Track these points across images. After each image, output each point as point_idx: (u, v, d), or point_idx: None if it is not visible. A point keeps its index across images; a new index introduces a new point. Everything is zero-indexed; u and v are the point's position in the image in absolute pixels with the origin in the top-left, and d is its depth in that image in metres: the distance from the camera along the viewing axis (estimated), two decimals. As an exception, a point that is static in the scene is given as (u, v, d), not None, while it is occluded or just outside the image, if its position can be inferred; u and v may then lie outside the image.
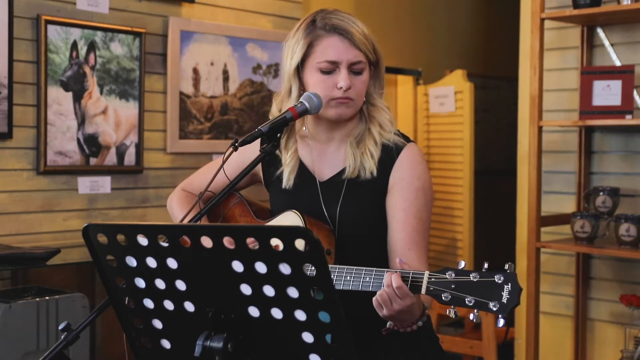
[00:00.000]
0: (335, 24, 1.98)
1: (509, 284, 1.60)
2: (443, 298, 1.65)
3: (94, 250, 1.53)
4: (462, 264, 1.66)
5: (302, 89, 2.02)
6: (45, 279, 3.45)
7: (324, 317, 1.40)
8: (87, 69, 3.63)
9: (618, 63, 3.59)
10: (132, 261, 1.50)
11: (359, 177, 1.99)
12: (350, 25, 1.97)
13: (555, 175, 3.82)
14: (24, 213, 3.48)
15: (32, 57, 3.48)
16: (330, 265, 1.81)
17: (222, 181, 1.91)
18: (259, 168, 2.15)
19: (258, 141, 1.90)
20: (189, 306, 1.50)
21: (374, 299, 1.73)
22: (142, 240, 1.46)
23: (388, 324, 1.79)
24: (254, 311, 1.45)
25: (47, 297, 3.08)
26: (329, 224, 1.99)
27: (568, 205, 3.76)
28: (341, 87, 1.95)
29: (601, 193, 3.49)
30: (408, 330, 1.79)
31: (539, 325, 3.57)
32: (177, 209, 2.22)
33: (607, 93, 3.39)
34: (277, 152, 2.08)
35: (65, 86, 3.57)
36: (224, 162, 1.85)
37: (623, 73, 3.39)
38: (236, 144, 1.82)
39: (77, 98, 3.61)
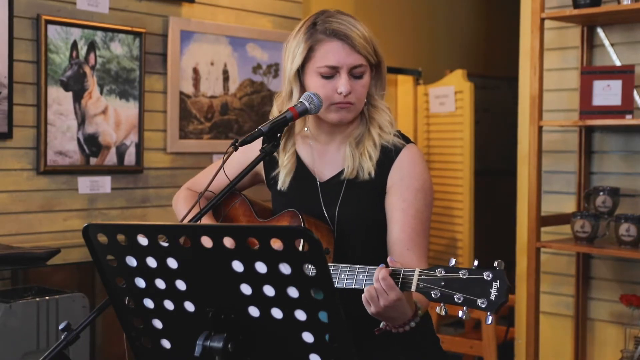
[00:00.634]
0: (336, 28, 1.97)
1: (498, 281, 1.60)
2: (432, 295, 1.65)
3: (94, 250, 1.53)
4: (452, 262, 1.66)
5: (302, 91, 2.02)
6: (45, 279, 3.45)
7: (324, 317, 1.40)
8: (87, 69, 3.64)
9: (618, 63, 3.59)
10: (132, 261, 1.50)
11: (357, 177, 2.00)
12: (350, 29, 1.97)
13: (555, 175, 3.82)
14: (24, 213, 3.48)
15: (32, 57, 3.48)
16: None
17: (224, 181, 1.92)
18: (260, 168, 2.15)
19: (260, 141, 1.90)
20: (189, 306, 1.50)
21: (362, 295, 1.73)
22: (142, 240, 1.46)
23: (381, 324, 1.79)
24: (254, 311, 1.45)
25: (47, 297, 3.08)
26: (329, 223, 1.99)
27: (568, 205, 3.76)
28: (341, 93, 1.95)
29: (601, 193, 3.49)
30: (400, 330, 1.78)
31: (539, 325, 3.57)
32: (183, 207, 2.22)
33: (607, 93, 3.39)
34: (275, 153, 2.08)
35: (65, 86, 3.57)
36: (224, 162, 1.85)
37: (623, 73, 3.39)
38: (236, 144, 1.82)
39: (77, 98, 3.61)
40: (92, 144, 3.67)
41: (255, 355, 1.49)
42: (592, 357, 3.74)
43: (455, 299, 1.62)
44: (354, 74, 1.97)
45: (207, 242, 1.41)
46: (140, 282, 1.52)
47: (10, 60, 3.38)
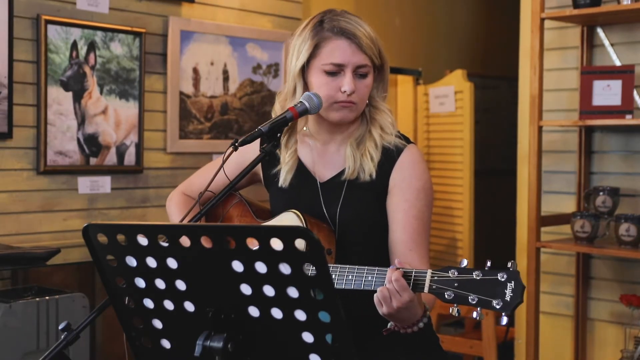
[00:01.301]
0: (343, 26, 1.97)
1: (512, 282, 1.61)
2: (446, 296, 1.65)
3: (94, 250, 1.53)
4: (465, 263, 1.67)
5: (306, 89, 2.02)
6: (45, 279, 3.45)
7: (324, 317, 1.41)
8: (87, 69, 3.64)
9: (618, 63, 3.59)
10: (132, 261, 1.50)
11: (358, 178, 2.00)
12: (358, 28, 1.97)
13: (555, 175, 3.82)
14: (24, 213, 3.48)
15: (32, 57, 3.48)
16: (332, 265, 1.82)
17: (221, 181, 1.92)
18: (258, 168, 2.15)
19: (258, 141, 1.90)
20: (189, 306, 1.50)
21: (374, 296, 1.73)
22: (142, 240, 1.46)
23: (389, 324, 1.79)
24: (254, 311, 1.45)
25: (47, 297, 3.08)
26: (329, 224, 1.99)
27: (568, 205, 3.76)
28: (345, 91, 1.95)
29: (601, 193, 3.49)
30: (409, 331, 1.79)
31: (539, 325, 3.57)
32: (176, 212, 2.22)
33: (607, 93, 3.39)
34: (277, 151, 2.08)
35: (65, 86, 3.57)
36: (223, 162, 1.85)
37: (623, 73, 3.39)
38: (236, 144, 1.82)
39: (77, 98, 3.61)
40: (92, 144, 3.67)
41: (255, 355, 1.49)
42: (592, 357, 3.74)
43: (470, 300, 1.63)
44: (359, 73, 1.97)
45: (207, 242, 1.41)
46: (140, 282, 1.52)
47: (10, 60, 3.38)
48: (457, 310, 1.66)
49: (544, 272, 3.79)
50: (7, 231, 3.42)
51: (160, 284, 1.50)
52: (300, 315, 1.41)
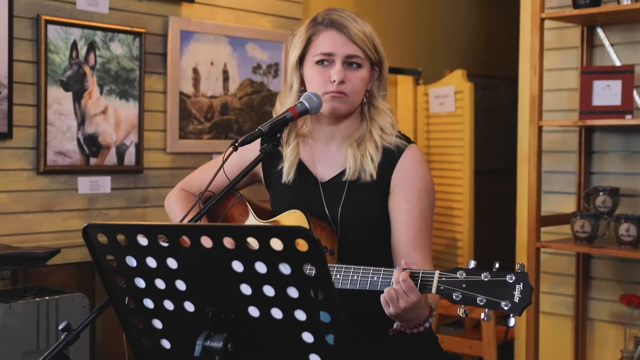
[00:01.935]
0: (334, 18, 2.00)
1: (521, 283, 1.61)
2: (454, 297, 1.65)
3: (94, 250, 1.53)
4: (472, 264, 1.67)
5: (302, 84, 2.05)
6: (45, 279, 3.45)
7: (324, 317, 1.41)
8: (87, 69, 3.63)
9: (618, 63, 3.59)
10: (132, 261, 1.50)
11: (359, 179, 2.00)
12: (349, 21, 1.99)
13: (555, 175, 3.82)
14: (24, 213, 3.48)
15: (32, 57, 3.48)
16: (336, 265, 1.82)
17: (221, 181, 1.92)
18: (258, 168, 2.15)
19: (258, 141, 1.90)
20: (189, 306, 1.50)
21: (381, 296, 1.73)
22: (142, 240, 1.46)
23: (395, 324, 1.79)
24: (254, 311, 1.45)
25: (47, 297, 3.07)
26: (331, 224, 1.99)
27: (568, 205, 3.76)
28: (334, 80, 1.96)
29: (601, 193, 3.49)
30: (415, 331, 1.79)
31: (539, 325, 3.57)
32: (177, 208, 2.22)
33: (607, 93, 3.39)
34: (280, 148, 2.08)
35: (65, 86, 3.57)
36: (223, 162, 1.85)
37: (623, 73, 3.39)
38: (236, 144, 1.82)
39: (77, 98, 3.61)
40: (92, 144, 3.67)
41: (255, 355, 1.49)
42: (592, 357, 3.74)
43: (478, 301, 1.63)
44: (350, 63, 1.98)
45: (207, 242, 1.41)
46: (140, 282, 1.52)
47: (10, 60, 3.38)
48: (465, 311, 1.66)
49: (544, 272, 3.79)
50: (7, 231, 3.42)
51: (160, 284, 1.50)
52: (300, 315, 1.41)
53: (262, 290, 1.41)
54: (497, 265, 1.65)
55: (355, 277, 1.79)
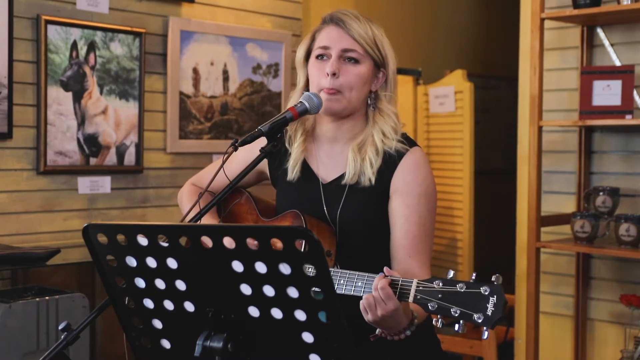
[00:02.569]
0: (336, 16, 2.01)
1: (495, 296, 1.59)
2: (430, 307, 1.64)
3: (94, 250, 1.53)
4: (451, 274, 1.65)
5: (307, 81, 2.06)
6: (45, 279, 3.45)
7: (324, 317, 1.40)
8: (87, 69, 3.64)
9: (618, 63, 3.59)
10: (132, 261, 1.50)
11: (358, 183, 1.99)
12: (350, 18, 2.00)
13: (555, 175, 3.82)
14: (24, 213, 3.48)
15: (32, 57, 3.48)
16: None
17: (227, 180, 1.91)
18: (264, 166, 2.14)
19: (264, 139, 1.90)
20: (189, 306, 1.50)
21: (360, 302, 1.72)
22: (142, 240, 1.46)
23: (377, 330, 1.78)
24: (254, 311, 1.45)
25: (47, 297, 3.08)
26: (330, 225, 1.98)
27: (568, 205, 3.76)
28: (327, 73, 1.96)
29: (601, 193, 3.49)
30: (395, 338, 1.78)
31: (539, 325, 3.57)
32: (188, 202, 2.22)
33: (607, 93, 3.39)
34: (287, 145, 2.08)
35: (65, 86, 3.57)
36: (223, 162, 1.85)
37: (623, 73, 3.39)
38: (236, 144, 1.82)
39: (77, 98, 3.61)
40: (92, 144, 3.67)
41: (255, 355, 1.49)
42: (592, 357, 3.74)
43: (452, 312, 1.61)
44: (347, 57, 1.97)
45: (207, 242, 1.41)
46: (140, 282, 1.52)
47: (10, 60, 3.38)
48: (442, 321, 1.65)
49: (544, 272, 3.79)
50: (7, 231, 3.42)
51: (160, 284, 1.50)
52: (300, 315, 1.41)
53: (262, 290, 1.41)
54: (474, 276, 1.64)
55: (342, 281, 1.78)
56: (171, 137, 3.96)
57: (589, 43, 3.69)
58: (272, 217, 2.08)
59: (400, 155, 1.99)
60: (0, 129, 3.37)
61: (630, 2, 3.32)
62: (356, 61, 1.98)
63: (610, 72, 3.43)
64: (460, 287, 1.62)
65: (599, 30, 3.65)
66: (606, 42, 3.64)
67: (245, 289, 1.43)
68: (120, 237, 1.49)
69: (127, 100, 3.78)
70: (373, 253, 1.98)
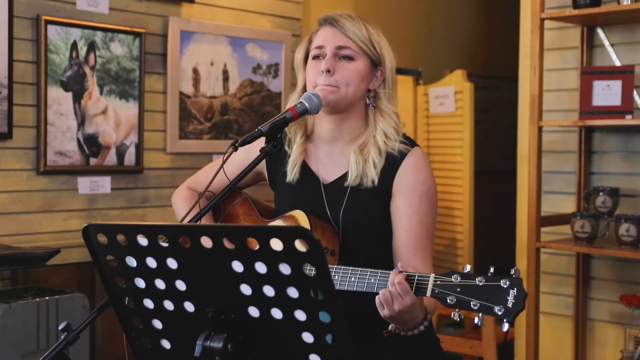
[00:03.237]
0: (331, 16, 2.03)
1: (515, 288, 1.61)
2: (448, 301, 1.66)
3: (94, 250, 1.53)
4: (468, 268, 1.67)
5: (305, 82, 2.08)
6: (45, 279, 3.45)
7: (324, 317, 1.41)
8: (87, 69, 3.64)
9: (618, 63, 3.59)
10: (132, 261, 1.50)
11: (361, 184, 1.99)
12: (344, 18, 2.02)
13: (555, 175, 3.82)
14: (24, 213, 3.48)
15: (32, 57, 3.48)
16: (335, 266, 1.82)
17: (225, 180, 1.92)
18: (263, 166, 2.15)
19: (263, 140, 1.90)
20: (189, 306, 1.50)
21: (376, 298, 1.73)
22: (142, 240, 1.46)
23: (390, 326, 1.79)
24: (254, 311, 1.45)
25: (47, 297, 3.08)
26: (333, 225, 1.99)
27: (568, 205, 3.76)
28: (322, 70, 1.97)
29: (601, 193, 3.49)
30: (409, 334, 1.79)
31: (539, 325, 3.57)
32: (183, 207, 2.22)
33: (607, 93, 3.39)
34: (286, 147, 2.09)
35: (65, 86, 3.57)
36: (223, 163, 1.85)
37: (623, 73, 3.39)
38: (236, 144, 1.82)
39: (77, 98, 3.61)
40: (92, 144, 3.67)
41: (255, 355, 1.49)
42: (592, 357, 3.74)
43: (472, 306, 1.63)
44: (341, 55, 1.99)
45: (207, 242, 1.41)
46: (140, 283, 1.52)
47: (10, 60, 3.38)
48: (459, 315, 1.66)
49: (544, 272, 3.79)
50: (7, 231, 3.42)
51: (160, 284, 1.50)
52: (300, 315, 1.41)
53: (262, 290, 1.41)
54: (492, 269, 1.65)
55: (352, 278, 1.79)
56: (171, 137, 3.96)
57: (589, 43, 3.69)
58: (271, 218, 2.08)
59: (402, 155, 2.00)
60: (0, 129, 3.37)
61: (630, 2, 3.32)
62: (351, 58, 1.99)
63: (610, 72, 3.43)
64: (479, 281, 1.63)
65: (599, 30, 3.65)
66: (606, 42, 3.64)
67: (245, 289, 1.43)
68: (120, 237, 1.49)
69: (127, 100, 3.78)
70: (375, 252, 1.99)
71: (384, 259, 1.98)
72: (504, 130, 5.77)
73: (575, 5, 3.43)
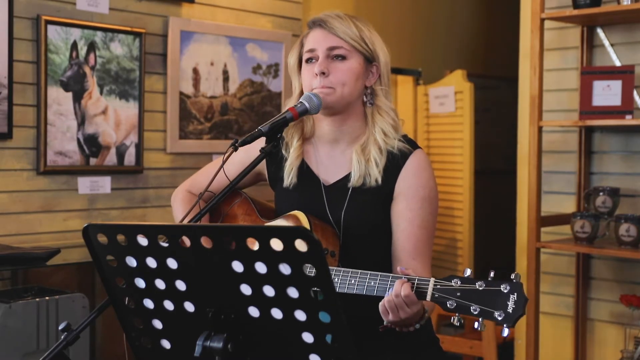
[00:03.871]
0: (319, 18, 2.03)
1: (515, 293, 1.60)
2: (448, 305, 1.65)
3: (94, 250, 1.54)
4: (468, 272, 1.67)
5: (301, 86, 2.07)
6: (45, 279, 3.45)
7: (324, 317, 1.41)
8: (87, 69, 3.64)
9: (618, 63, 3.59)
10: (132, 261, 1.50)
11: (364, 184, 1.99)
12: (332, 18, 2.01)
13: (555, 175, 3.82)
14: (24, 213, 3.48)
15: (32, 57, 3.48)
16: (335, 268, 1.82)
17: (224, 181, 1.92)
18: (263, 167, 2.14)
19: (263, 140, 1.90)
20: (189, 306, 1.50)
21: (380, 304, 1.74)
22: (142, 240, 1.46)
23: (386, 322, 1.79)
24: (254, 311, 1.45)
25: (47, 297, 3.08)
26: (334, 226, 1.98)
27: (568, 205, 3.76)
28: (316, 73, 1.96)
29: (601, 193, 3.49)
30: (404, 330, 1.80)
31: (539, 325, 3.57)
32: (181, 210, 2.22)
33: (607, 93, 3.39)
34: (283, 150, 2.09)
35: (65, 86, 3.57)
36: (223, 163, 1.85)
37: (623, 73, 3.39)
38: (236, 144, 1.82)
39: (77, 98, 3.61)
40: (92, 144, 3.67)
41: (255, 355, 1.49)
42: (592, 357, 3.74)
43: (472, 310, 1.63)
44: (334, 55, 1.98)
45: (207, 242, 1.41)
46: (140, 283, 1.52)
47: (10, 60, 3.38)
48: (459, 319, 1.65)
49: (544, 273, 3.79)
50: (7, 231, 3.42)
51: (160, 284, 1.50)
52: (300, 315, 1.41)
53: (262, 290, 1.41)
54: (492, 274, 1.65)
55: (352, 281, 1.79)
56: (171, 137, 3.96)
57: (589, 43, 3.69)
58: (271, 218, 2.08)
59: (403, 155, 1.99)
60: (0, 129, 3.37)
61: (630, 2, 3.32)
62: (344, 58, 1.99)
63: (610, 72, 3.43)
64: (479, 285, 1.63)
65: (599, 31, 3.65)
66: (606, 42, 3.64)
67: (246, 289, 1.43)
68: (120, 237, 1.49)
69: (127, 100, 3.78)
70: (376, 254, 1.99)
71: (385, 260, 1.98)
72: (504, 130, 5.77)
73: (575, 5, 3.43)
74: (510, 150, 4.46)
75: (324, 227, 1.96)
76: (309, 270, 1.37)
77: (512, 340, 4.06)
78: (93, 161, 3.68)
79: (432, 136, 5.40)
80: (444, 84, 5.32)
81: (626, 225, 3.34)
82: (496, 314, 1.61)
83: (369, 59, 2.02)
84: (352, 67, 1.98)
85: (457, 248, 5.22)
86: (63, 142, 3.57)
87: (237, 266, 1.41)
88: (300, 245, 1.34)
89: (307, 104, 1.93)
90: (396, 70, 5.34)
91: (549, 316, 3.84)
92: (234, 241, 1.40)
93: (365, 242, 1.99)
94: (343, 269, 1.81)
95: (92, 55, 3.65)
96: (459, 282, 1.65)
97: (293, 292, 1.40)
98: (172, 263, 1.46)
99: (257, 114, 4.30)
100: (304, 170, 2.07)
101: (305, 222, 1.93)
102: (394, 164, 1.99)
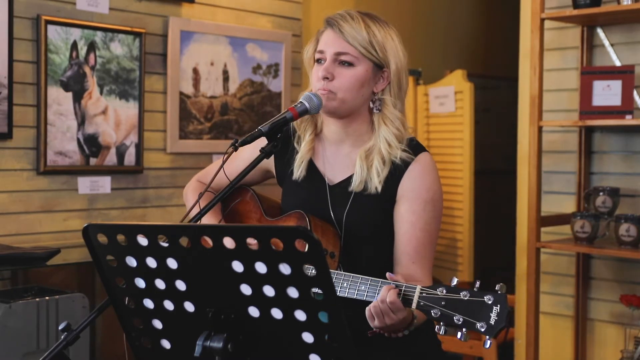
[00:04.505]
0: (332, 18, 2.00)
1: (498, 305, 1.59)
2: (432, 314, 1.65)
3: (94, 250, 1.53)
4: (455, 281, 1.66)
5: None
6: (45, 279, 3.45)
7: (324, 317, 1.41)
8: (87, 69, 3.64)
9: (618, 63, 3.59)
10: (132, 261, 1.50)
11: (365, 189, 1.98)
12: (345, 20, 1.98)
13: (555, 175, 3.82)
14: (24, 213, 3.48)
15: (32, 57, 3.48)
16: (330, 271, 1.81)
17: (232, 178, 1.91)
18: (270, 164, 2.13)
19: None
20: (189, 306, 1.50)
21: (366, 309, 1.74)
22: (142, 240, 1.46)
23: (373, 327, 1.80)
24: (254, 311, 1.45)
25: (47, 297, 3.08)
26: (335, 226, 1.98)
27: (568, 205, 3.76)
28: (320, 77, 1.95)
29: (601, 193, 3.49)
30: (393, 336, 1.80)
31: (539, 325, 3.57)
32: (192, 199, 2.22)
33: (607, 93, 3.39)
34: (295, 143, 2.08)
35: (65, 86, 3.57)
36: (223, 162, 1.85)
37: (623, 73, 3.39)
38: (236, 144, 1.82)
39: (77, 98, 3.61)
40: (92, 144, 3.67)
41: (255, 355, 1.49)
42: (592, 357, 3.74)
43: (455, 320, 1.62)
44: (340, 61, 1.96)
45: (207, 242, 1.41)
46: (140, 283, 1.52)
47: (10, 60, 3.38)
48: (445, 328, 1.65)
49: (544, 272, 3.79)
50: (7, 231, 3.42)
51: (160, 284, 1.50)
52: (300, 315, 1.41)
53: (262, 290, 1.41)
54: (477, 284, 1.64)
55: (344, 284, 1.79)
56: (171, 137, 3.96)
57: (589, 43, 3.69)
58: (277, 216, 2.07)
59: (405, 164, 1.96)
60: (0, 129, 3.37)
61: (630, 2, 3.32)
62: (350, 64, 1.95)
63: (610, 72, 3.43)
64: (463, 295, 1.62)
65: (599, 31, 3.65)
66: (606, 42, 3.64)
67: (245, 289, 1.43)
68: (120, 237, 1.49)
69: (127, 100, 3.78)
70: (377, 256, 1.98)
71: (386, 262, 1.97)
72: (504, 130, 5.77)
73: (575, 5, 3.43)
74: (510, 150, 4.46)
75: (325, 228, 1.95)
76: (309, 270, 1.37)
77: (512, 340, 4.06)
78: (93, 161, 3.68)
79: (432, 136, 5.40)
80: (444, 84, 5.32)
81: (626, 225, 3.34)
82: (478, 325, 1.60)
83: (379, 65, 1.99)
84: (358, 74, 1.95)
85: (457, 248, 5.22)
86: (63, 142, 3.57)
87: (237, 266, 1.41)
88: (300, 245, 1.34)
89: (307, 104, 1.92)
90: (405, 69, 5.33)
91: (549, 316, 3.84)
92: (233, 241, 1.39)
93: (366, 244, 1.98)
94: (337, 272, 1.81)
95: (92, 55, 3.65)
96: (444, 291, 1.65)
97: (293, 292, 1.40)
98: (172, 263, 1.46)
99: (257, 114, 4.30)
100: (311, 167, 2.06)
101: (304, 222, 1.93)
102: (395, 173, 1.97)
